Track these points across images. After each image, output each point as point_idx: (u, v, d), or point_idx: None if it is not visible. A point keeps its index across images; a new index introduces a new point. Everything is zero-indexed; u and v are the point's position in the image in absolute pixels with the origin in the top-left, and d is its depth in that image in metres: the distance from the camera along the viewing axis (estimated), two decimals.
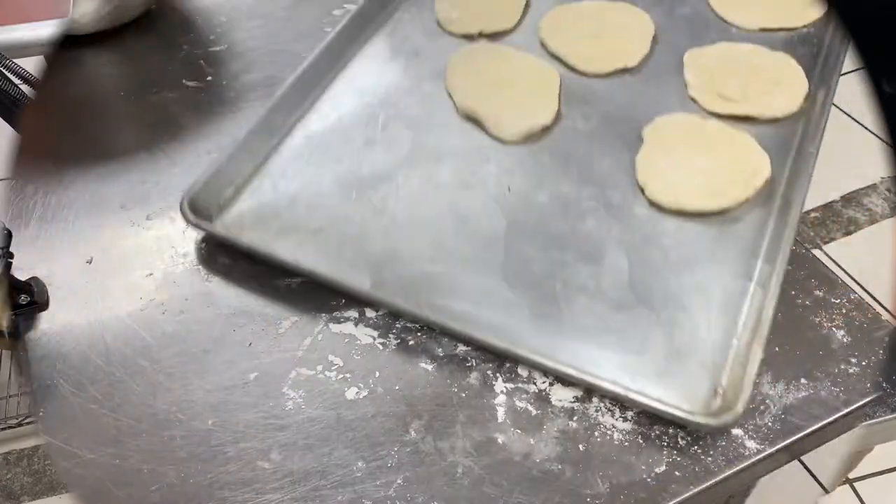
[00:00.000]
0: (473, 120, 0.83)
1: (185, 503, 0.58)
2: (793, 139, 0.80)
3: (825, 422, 0.62)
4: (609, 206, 0.75)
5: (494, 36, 0.91)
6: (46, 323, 0.69)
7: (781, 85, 0.83)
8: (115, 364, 0.66)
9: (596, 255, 0.71)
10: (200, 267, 0.73)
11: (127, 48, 0.98)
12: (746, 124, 0.81)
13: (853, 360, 0.65)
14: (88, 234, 0.76)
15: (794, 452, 0.62)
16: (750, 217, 0.74)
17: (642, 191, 0.76)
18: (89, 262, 0.74)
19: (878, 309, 0.68)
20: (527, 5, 0.94)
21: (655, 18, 0.92)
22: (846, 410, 0.63)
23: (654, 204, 0.75)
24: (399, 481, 0.59)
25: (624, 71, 0.86)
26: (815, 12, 0.90)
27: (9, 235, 0.69)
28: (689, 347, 0.65)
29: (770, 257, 0.69)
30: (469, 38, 0.91)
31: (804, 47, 0.89)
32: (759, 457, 0.59)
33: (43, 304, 0.69)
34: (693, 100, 0.83)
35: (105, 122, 0.89)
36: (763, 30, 0.90)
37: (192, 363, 0.66)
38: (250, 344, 0.67)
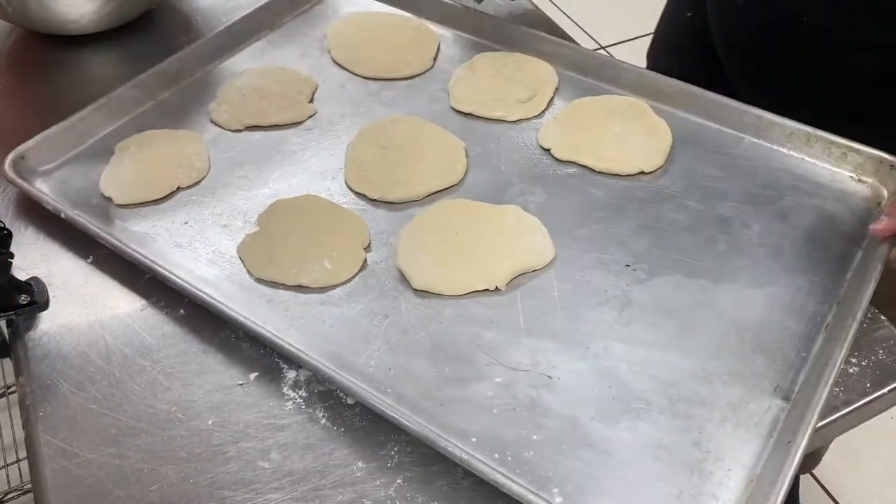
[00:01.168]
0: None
1: (185, 503, 0.58)
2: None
3: (825, 422, 0.62)
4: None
5: None
6: (46, 323, 0.69)
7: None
8: (115, 364, 0.66)
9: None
10: None
11: (127, 48, 0.98)
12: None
13: (853, 360, 0.65)
14: (88, 234, 0.76)
15: None
16: None
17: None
18: (89, 262, 0.74)
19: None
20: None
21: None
22: (846, 410, 0.63)
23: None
24: (399, 481, 0.59)
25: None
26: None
27: (9, 235, 0.69)
28: None
29: None
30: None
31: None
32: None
33: (43, 304, 0.69)
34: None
35: None
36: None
37: (192, 363, 0.66)
38: (250, 344, 0.67)
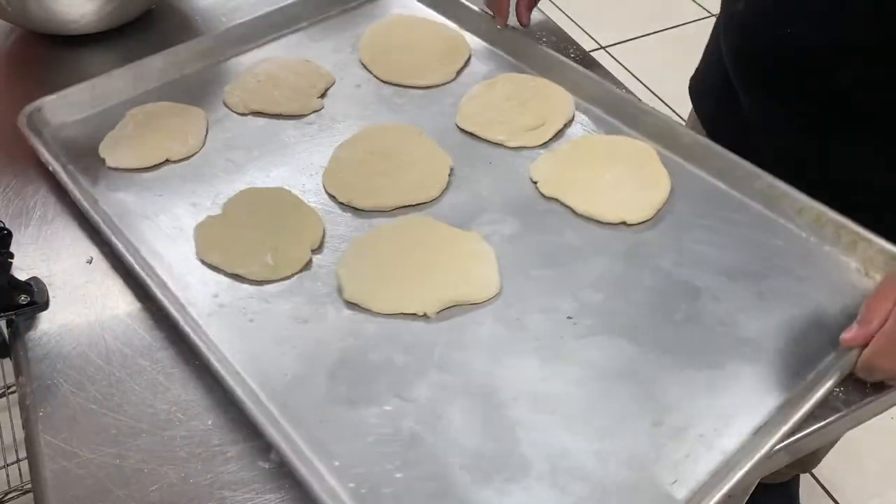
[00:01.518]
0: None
1: (185, 503, 0.58)
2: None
3: (825, 422, 0.62)
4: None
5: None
6: (46, 323, 0.69)
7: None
8: (115, 364, 0.66)
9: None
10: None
11: (127, 48, 0.98)
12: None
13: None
14: (88, 234, 0.76)
15: (793, 453, 0.62)
16: None
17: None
18: (89, 262, 0.74)
19: None
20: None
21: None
22: (846, 410, 0.63)
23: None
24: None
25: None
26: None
27: (9, 235, 0.69)
28: None
29: None
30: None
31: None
32: (758, 457, 0.59)
33: (43, 304, 0.69)
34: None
35: None
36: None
37: (192, 363, 0.66)
38: None
